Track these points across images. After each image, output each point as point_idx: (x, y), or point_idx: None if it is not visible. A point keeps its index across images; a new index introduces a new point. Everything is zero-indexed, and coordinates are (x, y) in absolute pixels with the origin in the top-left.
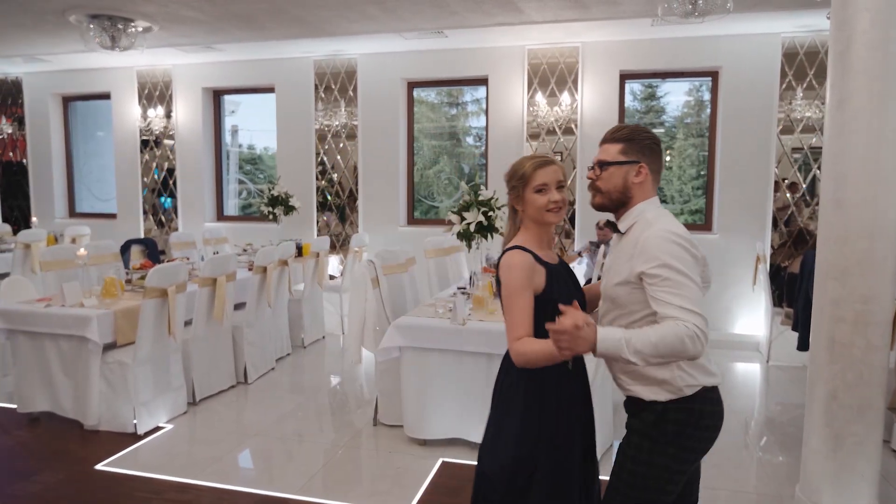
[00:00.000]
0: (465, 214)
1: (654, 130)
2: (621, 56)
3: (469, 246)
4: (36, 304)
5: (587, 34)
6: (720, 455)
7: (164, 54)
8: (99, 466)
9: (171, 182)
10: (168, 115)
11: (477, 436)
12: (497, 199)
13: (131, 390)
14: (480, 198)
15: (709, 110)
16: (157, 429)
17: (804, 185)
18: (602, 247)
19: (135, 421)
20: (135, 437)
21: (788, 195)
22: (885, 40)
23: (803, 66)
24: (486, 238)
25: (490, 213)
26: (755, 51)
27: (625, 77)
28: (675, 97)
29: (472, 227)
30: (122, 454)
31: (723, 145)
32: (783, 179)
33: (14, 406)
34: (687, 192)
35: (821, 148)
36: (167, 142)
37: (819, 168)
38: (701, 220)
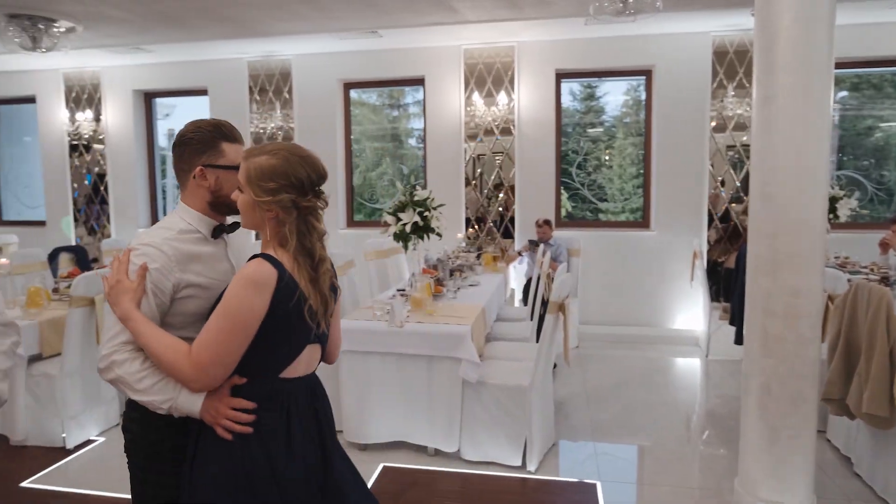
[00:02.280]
0: (401, 215)
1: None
2: (556, 55)
3: (406, 247)
4: None
5: (522, 34)
6: (663, 449)
7: (92, 56)
8: (25, 484)
9: (101, 188)
10: (97, 119)
11: (419, 437)
12: (433, 199)
13: (59, 403)
14: (416, 198)
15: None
16: (89, 442)
17: (738, 182)
18: (541, 245)
19: (64, 435)
20: (64, 452)
21: (723, 192)
22: (807, 37)
23: (733, 65)
24: (422, 239)
25: (426, 214)
26: (687, 49)
27: (560, 76)
28: (614, 97)
29: (408, 228)
30: (51, 470)
31: (658, 144)
32: (718, 178)
33: None
34: (628, 190)
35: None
36: (97, 146)
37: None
38: (640, 218)
